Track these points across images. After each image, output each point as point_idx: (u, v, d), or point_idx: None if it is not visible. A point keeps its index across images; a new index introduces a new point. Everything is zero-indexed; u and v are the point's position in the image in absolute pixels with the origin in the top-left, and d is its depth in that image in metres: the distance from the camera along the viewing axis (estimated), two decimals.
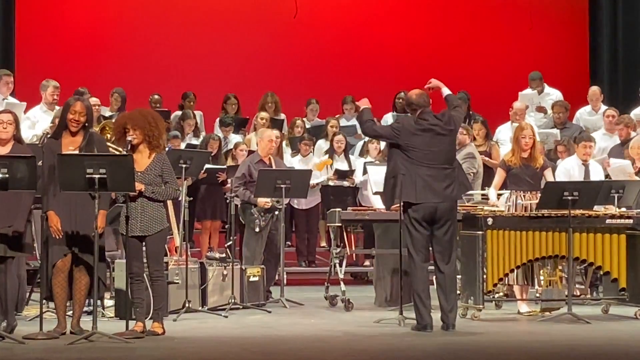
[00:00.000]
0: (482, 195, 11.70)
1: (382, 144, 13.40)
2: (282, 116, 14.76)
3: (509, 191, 10.52)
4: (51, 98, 12.77)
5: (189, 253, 10.84)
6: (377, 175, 10.66)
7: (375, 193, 10.90)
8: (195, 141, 13.83)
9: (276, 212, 11.25)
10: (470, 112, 14.52)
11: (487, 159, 13.18)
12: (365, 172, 13.00)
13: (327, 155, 13.80)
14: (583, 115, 14.37)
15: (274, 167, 11.45)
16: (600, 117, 14.05)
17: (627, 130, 12.69)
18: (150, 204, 8.59)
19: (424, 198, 8.87)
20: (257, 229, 11.22)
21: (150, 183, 8.58)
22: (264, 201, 11.19)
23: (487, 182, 12.14)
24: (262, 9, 16.69)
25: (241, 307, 10.67)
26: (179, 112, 14.73)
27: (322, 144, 14.16)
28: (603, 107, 14.24)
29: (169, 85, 15.62)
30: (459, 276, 9.98)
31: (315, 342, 8.55)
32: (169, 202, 9.60)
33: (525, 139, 10.44)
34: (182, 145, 13.47)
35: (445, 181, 8.96)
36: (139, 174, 8.54)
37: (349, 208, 11.39)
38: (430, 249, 9.04)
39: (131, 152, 8.62)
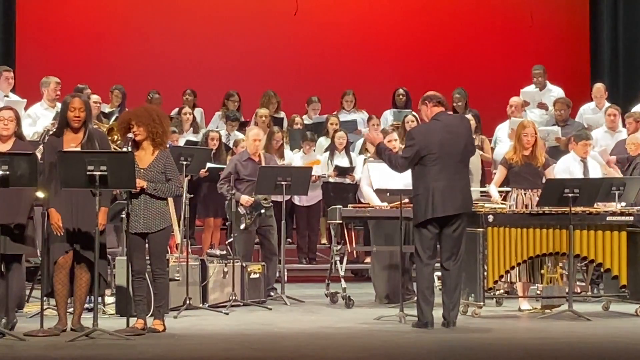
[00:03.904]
0: (482, 192, 11.71)
1: None
2: (282, 114, 14.77)
3: (511, 189, 10.53)
4: (54, 94, 12.78)
5: (189, 250, 10.84)
6: (377, 171, 10.65)
7: (376, 190, 10.89)
8: (193, 137, 13.83)
9: (262, 211, 11.25)
10: (468, 109, 14.52)
11: (481, 152, 13.27)
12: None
13: (326, 154, 13.81)
14: (586, 112, 14.35)
15: (263, 164, 11.43)
16: (603, 115, 14.05)
17: (636, 125, 12.70)
18: (153, 201, 8.58)
19: (442, 211, 8.82)
20: (242, 226, 11.22)
21: (153, 180, 8.57)
22: (246, 199, 11.19)
23: (484, 179, 12.17)
24: (263, 7, 16.68)
25: (242, 304, 10.68)
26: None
27: (323, 142, 14.17)
28: (607, 105, 14.24)
29: (169, 82, 15.61)
30: None
31: (315, 339, 8.55)
32: (170, 199, 9.59)
33: (527, 137, 10.45)
34: (181, 141, 13.48)
35: (461, 187, 8.89)
36: (142, 171, 8.54)
37: (349, 205, 11.39)
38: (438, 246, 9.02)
39: (134, 148, 8.62)
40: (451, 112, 13.37)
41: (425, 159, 8.84)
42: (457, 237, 8.96)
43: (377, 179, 10.50)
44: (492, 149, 13.78)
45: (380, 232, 10.94)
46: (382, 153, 9.16)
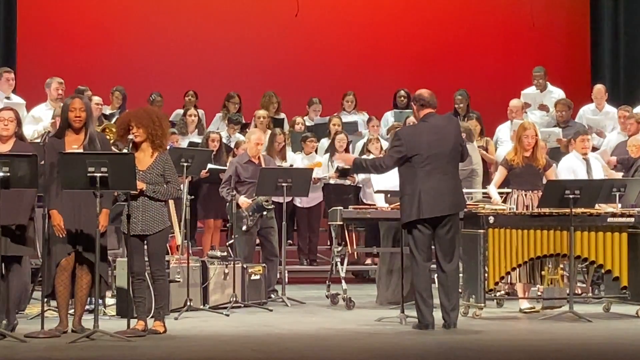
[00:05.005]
0: (483, 194, 11.72)
1: (384, 143, 13.41)
2: (282, 115, 14.78)
3: (511, 190, 10.53)
4: (56, 94, 12.82)
5: (190, 251, 10.84)
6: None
7: (377, 191, 10.90)
8: (198, 139, 13.84)
9: (264, 213, 11.24)
10: (470, 111, 14.54)
11: (484, 153, 13.28)
12: None
13: (327, 156, 13.82)
14: (586, 113, 14.34)
15: (264, 166, 11.44)
16: (604, 116, 14.03)
17: (638, 127, 12.70)
18: (151, 203, 8.58)
19: (429, 213, 8.83)
20: (244, 228, 11.21)
21: (152, 182, 8.57)
22: (242, 201, 11.19)
23: (487, 181, 12.16)
24: (264, 8, 16.69)
25: (242, 305, 10.68)
26: (180, 111, 14.73)
27: (325, 143, 14.17)
28: (607, 106, 14.23)
29: (170, 83, 15.62)
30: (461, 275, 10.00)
31: (316, 340, 8.55)
32: (170, 201, 9.59)
33: (527, 139, 10.45)
34: (185, 142, 13.48)
35: (451, 187, 8.89)
36: (141, 172, 8.54)
37: (350, 206, 11.39)
38: (433, 247, 9.02)
39: (134, 150, 8.62)
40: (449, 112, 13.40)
41: (413, 160, 8.84)
42: (451, 238, 8.96)
43: (377, 181, 10.51)
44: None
45: (390, 235, 10.93)
46: (361, 166, 9.25)
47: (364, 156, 13.65)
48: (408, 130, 9.24)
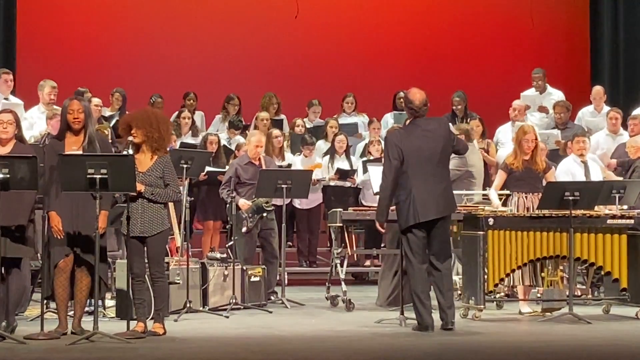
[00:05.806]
0: (483, 195, 11.71)
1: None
2: (282, 116, 14.77)
3: (512, 192, 10.53)
4: (48, 98, 12.80)
5: (189, 253, 10.85)
6: (378, 175, 10.65)
7: (377, 193, 10.89)
8: (192, 140, 13.82)
9: (264, 214, 11.24)
10: (468, 112, 14.54)
11: (485, 155, 13.27)
12: (365, 171, 13.01)
13: (326, 157, 13.81)
14: (585, 115, 14.34)
15: (264, 168, 11.44)
16: (603, 118, 14.03)
17: None
18: (150, 205, 8.59)
19: (424, 216, 8.84)
20: (243, 230, 11.21)
21: (151, 184, 8.57)
22: (242, 202, 11.19)
23: (487, 183, 12.15)
24: (263, 9, 16.68)
25: (242, 307, 10.68)
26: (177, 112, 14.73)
27: (322, 145, 14.16)
28: (606, 108, 14.22)
29: (170, 85, 15.61)
30: (458, 277, 10.01)
31: (316, 342, 8.55)
32: (170, 203, 9.59)
33: (527, 143, 10.44)
34: (178, 143, 13.46)
35: (442, 189, 8.90)
36: (141, 174, 8.55)
37: (350, 208, 11.39)
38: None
39: (135, 151, 8.63)
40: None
41: (403, 164, 8.86)
42: (445, 239, 8.98)
43: (377, 182, 10.49)
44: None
45: (396, 238, 10.94)
46: (382, 209, 9.04)
47: (364, 158, 13.68)
48: (396, 134, 9.29)
